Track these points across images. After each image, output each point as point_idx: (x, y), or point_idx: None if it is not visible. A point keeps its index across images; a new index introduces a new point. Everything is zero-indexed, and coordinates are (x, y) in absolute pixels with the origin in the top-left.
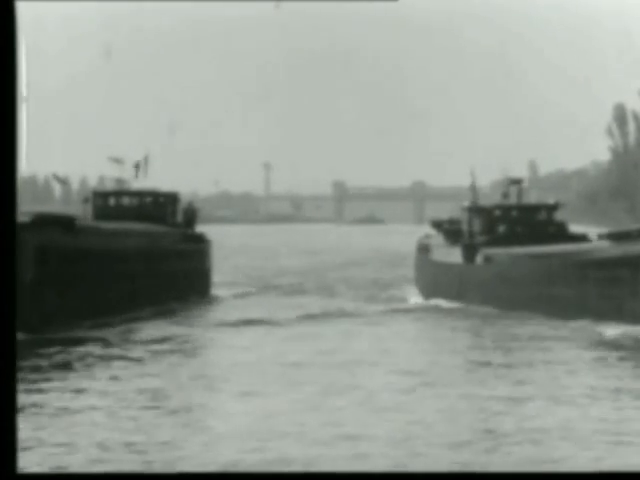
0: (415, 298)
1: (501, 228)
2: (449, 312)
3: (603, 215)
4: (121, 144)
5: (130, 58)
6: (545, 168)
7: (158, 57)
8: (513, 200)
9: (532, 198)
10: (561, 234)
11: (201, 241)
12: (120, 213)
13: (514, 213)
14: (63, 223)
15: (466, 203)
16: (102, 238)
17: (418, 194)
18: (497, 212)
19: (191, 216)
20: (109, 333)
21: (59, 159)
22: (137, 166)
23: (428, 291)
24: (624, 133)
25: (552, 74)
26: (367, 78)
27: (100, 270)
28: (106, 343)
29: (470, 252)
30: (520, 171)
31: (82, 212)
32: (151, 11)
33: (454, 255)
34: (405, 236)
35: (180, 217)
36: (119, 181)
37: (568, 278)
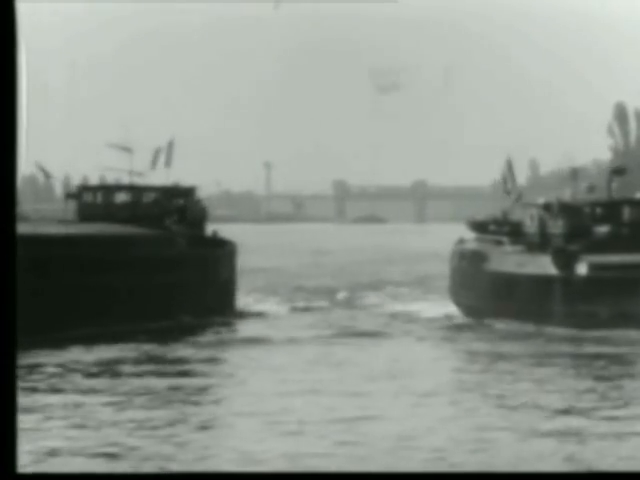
0: (459, 319)
1: (601, 230)
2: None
3: None
4: (125, 141)
5: (131, 57)
6: (545, 167)
7: (159, 57)
8: (601, 195)
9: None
10: None
11: (216, 245)
12: (110, 213)
13: (612, 211)
14: None
15: (541, 200)
16: None
17: (419, 193)
18: (591, 210)
19: (200, 216)
20: None
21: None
22: (157, 153)
23: (487, 311)
24: (625, 132)
25: (553, 74)
26: (367, 78)
27: None
28: None
29: (566, 261)
30: (520, 170)
31: (64, 211)
32: (152, 11)
33: (538, 265)
34: (407, 235)
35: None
36: (131, 173)
37: None
